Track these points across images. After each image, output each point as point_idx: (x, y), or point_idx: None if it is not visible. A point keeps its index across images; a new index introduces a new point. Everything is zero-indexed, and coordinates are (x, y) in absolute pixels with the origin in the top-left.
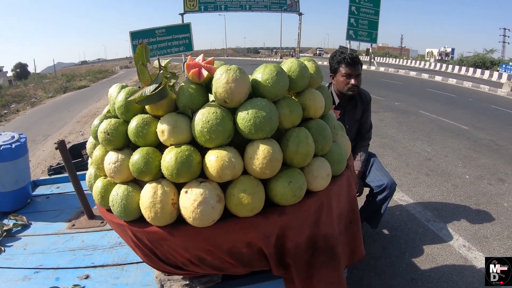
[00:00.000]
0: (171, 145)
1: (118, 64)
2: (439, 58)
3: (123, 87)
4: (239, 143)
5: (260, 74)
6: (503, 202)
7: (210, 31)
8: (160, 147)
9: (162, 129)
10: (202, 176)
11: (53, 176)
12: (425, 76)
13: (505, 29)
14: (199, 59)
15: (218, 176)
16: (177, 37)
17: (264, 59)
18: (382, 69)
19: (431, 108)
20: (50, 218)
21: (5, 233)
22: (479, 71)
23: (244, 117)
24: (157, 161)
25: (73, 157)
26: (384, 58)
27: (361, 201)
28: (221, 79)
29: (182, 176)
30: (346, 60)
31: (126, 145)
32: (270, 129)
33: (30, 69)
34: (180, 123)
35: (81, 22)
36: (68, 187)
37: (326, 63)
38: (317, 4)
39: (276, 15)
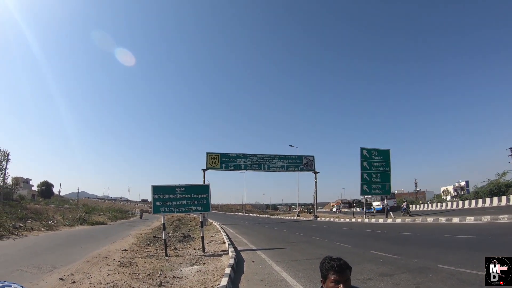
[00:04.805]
0: None
1: (138, 207)
2: (455, 194)
3: None
4: None
5: None
6: None
7: (230, 185)
8: None
9: None
10: None
11: None
12: (442, 220)
13: (511, 148)
14: None
15: None
16: (196, 197)
17: (282, 216)
18: (398, 220)
19: (451, 259)
20: None
21: None
22: (495, 199)
23: None
24: None
25: None
26: None
27: None
28: None
29: None
30: (334, 268)
31: None
32: None
33: (55, 190)
34: None
35: (111, 161)
36: None
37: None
38: (332, 160)
39: (294, 173)
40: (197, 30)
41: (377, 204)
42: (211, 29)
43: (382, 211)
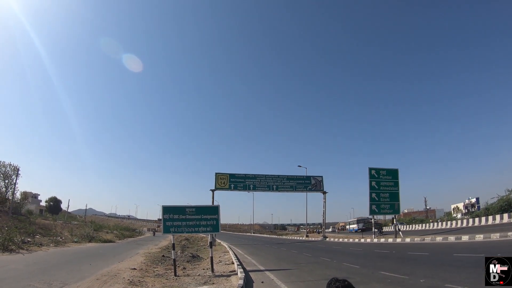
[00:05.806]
0: None
1: (146, 225)
2: (466, 211)
3: None
4: None
5: None
6: None
7: (238, 205)
8: None
9: None
10: None
11: None
12: (451, 238)
13: None
14: None
15: None
16: (205, 217)
17: (290, 237)
18: (408, 239)
19: (459, 278)
20: None
21: None
22: (506, 215)
23: None
24: None
25: None
26: (410, 226)
27: None
28: None
29: None
30: None
31: None
32: None
33: (63, 206)
34: None
35: (120, 179)
36: None
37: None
38: (341, 180)
39: (302, 193)
40: (205, 53)
41: (353, 226)
42: (220, 53)
43: (358, 231)
